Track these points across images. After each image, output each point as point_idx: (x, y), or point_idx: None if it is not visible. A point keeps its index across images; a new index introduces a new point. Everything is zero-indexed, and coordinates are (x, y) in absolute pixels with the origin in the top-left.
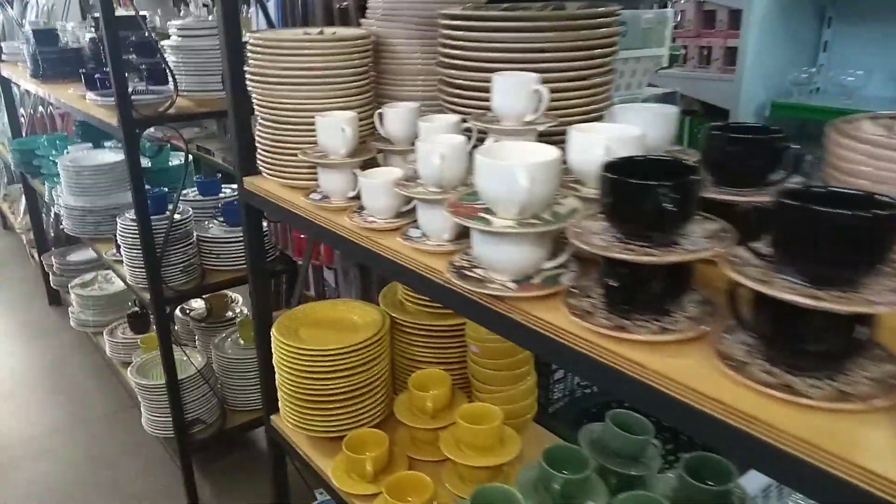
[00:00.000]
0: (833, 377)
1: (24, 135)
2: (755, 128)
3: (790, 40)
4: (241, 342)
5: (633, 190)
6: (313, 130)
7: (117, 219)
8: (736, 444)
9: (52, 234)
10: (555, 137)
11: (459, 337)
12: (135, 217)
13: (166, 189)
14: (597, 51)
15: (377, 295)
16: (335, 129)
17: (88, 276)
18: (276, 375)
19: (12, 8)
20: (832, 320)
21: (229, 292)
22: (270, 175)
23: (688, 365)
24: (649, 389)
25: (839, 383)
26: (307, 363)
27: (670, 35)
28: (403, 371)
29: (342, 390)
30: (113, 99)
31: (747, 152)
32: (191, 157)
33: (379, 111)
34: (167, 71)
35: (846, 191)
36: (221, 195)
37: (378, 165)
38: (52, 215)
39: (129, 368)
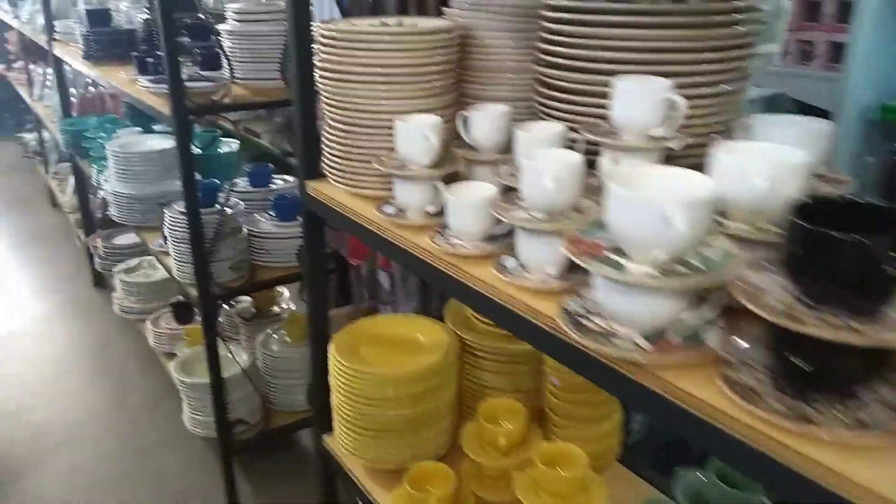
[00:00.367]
0: None
1: (74, 115)
2: None
3: None
4: (288, 340)
5: (842, 246)
6: (389, 135)
7: (165, 210)
8: None
9: (99, 216)
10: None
11: (536, 364)
12: (184, 210)
13: (217, 181)
14: (733, 52)
15: (437, 305)
16: (418, 136)
17: (133, 262)
18: (333, 396)
19: None
20: None
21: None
22: (337, 182)
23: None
24: None
25: None
26: (368, 387)
27: (783, 29)
28: (471, 397)
29: (406, 418)
30: (165, 86)
31: None
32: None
33: (463, 114)
34: (222, 56)
35: None
36: (273, 185)
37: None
38: (100, 197)
39: (171, 364)
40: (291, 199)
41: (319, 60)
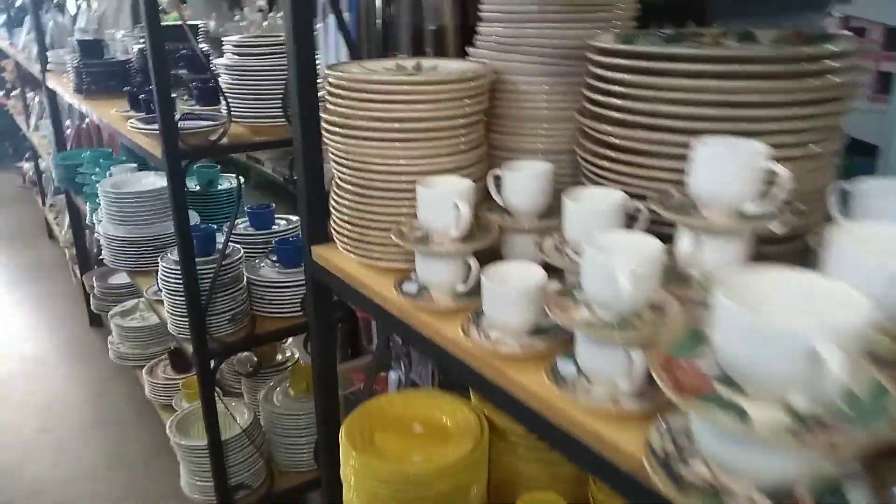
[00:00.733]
0: None
1: (69, 147)
2: None
3: None
4: (292, 393)
5: None
6: (409, 198)
7: (159, 260)
8: None
9: (95, 251)
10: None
11: None
12: (177, 259)
13: (214, 226)
14: (826, 106)
15: None
16: (446, 205)
17: (129, 304)
18: (345, 491)
19: (63, 15)
20: None
21: None
22: (348, 251)
23: None
24: None
25: None
26: (386, 487)
27: None
28: (502, 488)
29: None
30: (157, 126)
31: None
32: (241, 179)
33: (496, 173)
34: (220, 93)
35: None
36: (275, 227)
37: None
38: (96, 234)
39: (167, 424)
40: (294, 242)
41: (327, 112)
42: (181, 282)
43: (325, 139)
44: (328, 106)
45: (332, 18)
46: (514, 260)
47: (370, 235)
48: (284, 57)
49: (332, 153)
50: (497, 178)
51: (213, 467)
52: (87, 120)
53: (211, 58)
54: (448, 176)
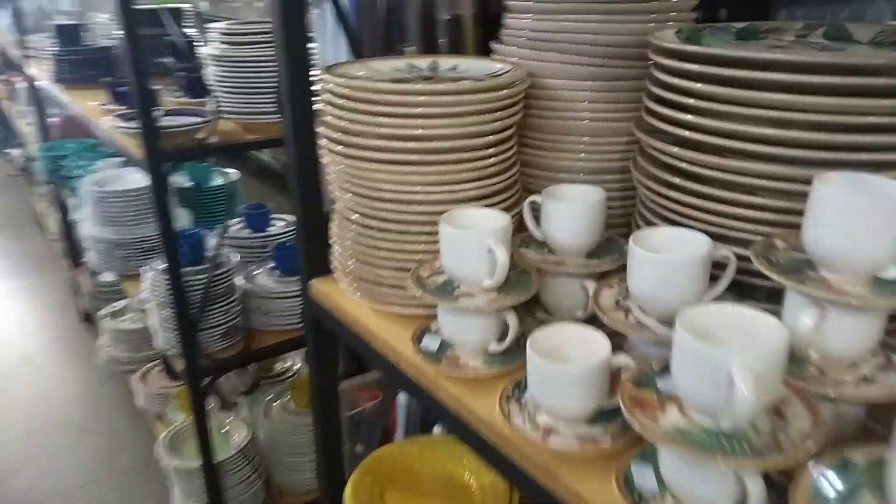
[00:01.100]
0: None
1: (56, 137)
2: None
3: None
4: (293, 406)
5: None
6: (428, 232)
7: (145, 269)
8: None
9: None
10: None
11: None
12: (164, 268)
13: (203, 231)
14: None
15: None
16: (477, 249)
17: (120, 304)
18: None
19: None
20: None
21: None
22: (353, 290)
23: None
24: None
25: None
26: None
27: None
28: None
29: None
30: (138, 124)
31: None
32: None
33: (535, 201)
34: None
35: None
36: (272, 229)
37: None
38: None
39: (158, 443)
40: (293, 247)
41: (326, 125)
42: (169, 294)
43: (323, 158)
44: (327, 118)
45: (328, 5)
46: (566, 323)
47: (380, 276)
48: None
49: (333, 176)
50: (535, 207)
51: (207, 491)
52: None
53: (202, 44)
54: (477, 208)
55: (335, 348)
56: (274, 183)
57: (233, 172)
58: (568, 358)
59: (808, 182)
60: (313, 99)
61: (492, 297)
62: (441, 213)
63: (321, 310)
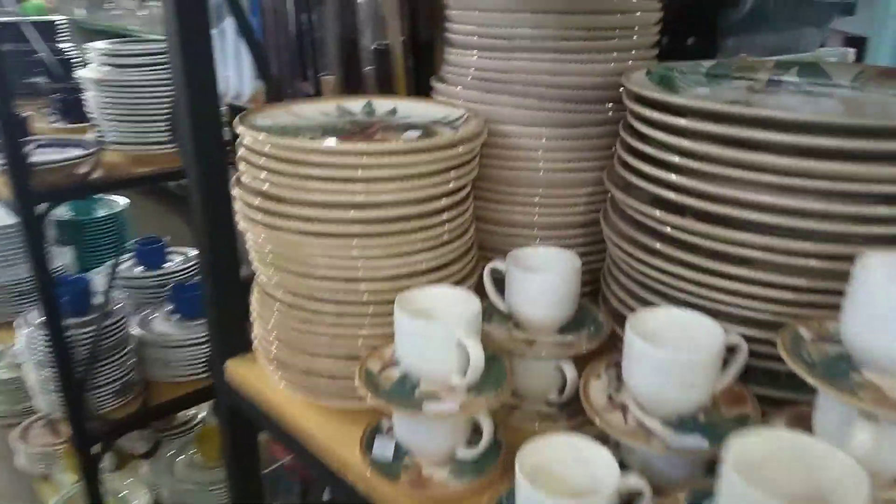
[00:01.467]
0: None
1: None
2: None
3: None
4: (201, 461)
5: None
6: (376, 313)
7: (17, 328)
8: None
9: None
10: None
11: None
12: (42, 323)
13: (89, 277)
14: None
15: None
16: (444, 342)
17: None
18: None
19: None
20: None
21: None
22: (280, 378)
23: None
24: None
25: None
26: None
27: None
28: None
29: None
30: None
31: None
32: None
33: (496, 268)
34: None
35: None
36: (168, 265)
37: None
38: None
39: None
40: (194, 286)
41: (243, 188)
42: (49, 352)
43: (239, 222)
44: (244, 179)
45: (230, 22)
46: (558, 435)
47: (314, 365)
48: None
49: (253, 246)
50: (496, 273)
51: None
52: None
53: (80, 61)
54: (436, 287)
55: (256, 435)
56: (172, 206)
57: (121, 200)
58: (565, 480)
59: (810, 256)
60: (223, 129)
61: (462, 399)
62: (387, 290)
63: (240, 398)
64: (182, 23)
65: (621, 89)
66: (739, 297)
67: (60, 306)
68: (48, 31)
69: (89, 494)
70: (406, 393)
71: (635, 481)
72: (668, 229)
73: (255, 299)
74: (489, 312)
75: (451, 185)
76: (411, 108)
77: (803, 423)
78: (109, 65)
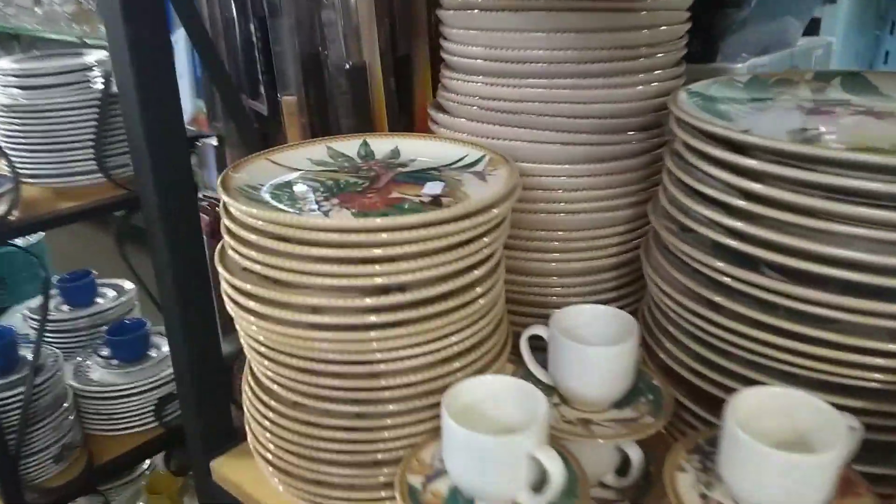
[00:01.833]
0: None
1: None
2: None
3: None
4: None
5: None
6: (398, 412)
7: None
8: None
9: None
10: None
11: None
12: None
13: (13, 328)
14: None
15: None
16: (510, 458)
17: None
18: None
19: None
20: None
21: None
22: (281, 483)
23: None
24: None
25: None
26: None
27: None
28: None
29: None
30: None
31: None
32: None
33: (534, 333)
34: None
35: None
36: (100, 302)
37: None
38: None
39: None
40: (133, 325)
41: (227, 269)
42: None
43: (228, 305)
44: (230, 255)
45: (181, 34)
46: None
47: (324, 473)
48: (90, 89)
49: (244, 335)
50: (536, 343)
51: None
52: None
53: None
54: (486, 378)
55: None
56: (95, 230)
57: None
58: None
59: None
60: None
61: None
62: (412, 383)
63: (230, 498)
64: (132, 26)
65: (661, 115)
66: (817, 361)
67: None
68: None
69: None
70: None
71: None
72: (732, 281)
73: (247, 393)
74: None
75: (486, 252)
76: (415, 148)
77: None
78: (18, 87)
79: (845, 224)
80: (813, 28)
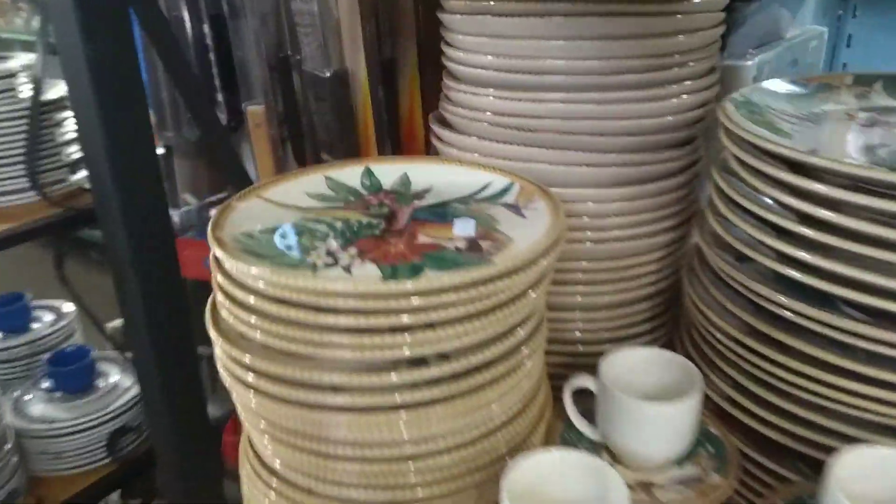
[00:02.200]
0: None
1: None
2: None
3: None
4: None
5: None
6: (429, 498)
7: None
8: None
9: None
10: None
11: None
12: None
13: None
14: None
15: None
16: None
17: None
18: None
19: None
20: None
21: None
22: None
23: None
24: None
25: None
26: None
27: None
28: None
29: None
30: None
31: None
32: None
33: (580, 385)
34: None
35: None
36: (36, 328)
37: None
38: None
39: None
40: (76, 353)
41: (222, 335)
42: None
43: (222, 375)
44: (223, 314)
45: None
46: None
47: None
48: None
49: (242, 410)
50: (579, 395)
51: None
52: None
53: None
54: (549, 455)
55: None
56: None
57: None
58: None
59: None
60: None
61: None
62: (443, 467)
63: None
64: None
65: (696, 129)
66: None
67: None
68: None
69: None
70: None
71: None
72: (802, 319)
73: (245, 476)
74: (569, 439)
75: (531, 308)
76: (427, 175)
77: None
78: None
79: None
80: None
